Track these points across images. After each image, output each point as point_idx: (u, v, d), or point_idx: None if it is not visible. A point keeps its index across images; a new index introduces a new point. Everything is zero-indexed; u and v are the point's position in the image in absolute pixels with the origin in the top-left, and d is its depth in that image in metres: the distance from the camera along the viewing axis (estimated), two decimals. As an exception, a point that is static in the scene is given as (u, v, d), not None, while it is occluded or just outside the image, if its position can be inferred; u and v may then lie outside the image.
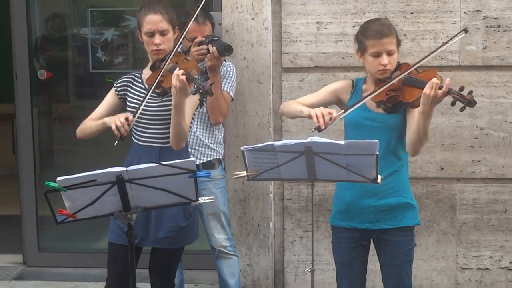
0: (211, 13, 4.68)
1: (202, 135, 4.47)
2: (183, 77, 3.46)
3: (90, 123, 3.83)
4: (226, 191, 4.66)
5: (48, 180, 3.06)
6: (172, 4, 7.93)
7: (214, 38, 4.38)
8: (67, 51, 6.28)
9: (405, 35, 4.74)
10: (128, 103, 3.82)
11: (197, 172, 3.17)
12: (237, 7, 4.85)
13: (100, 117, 3.81)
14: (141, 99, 3.71)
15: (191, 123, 3.83)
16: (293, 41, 4.88)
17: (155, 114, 3.73)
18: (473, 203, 4.85)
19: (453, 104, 3.41)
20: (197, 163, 4.43)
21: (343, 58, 4.82)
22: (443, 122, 4.78)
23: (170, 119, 3.63)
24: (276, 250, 5.06)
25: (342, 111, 3.58)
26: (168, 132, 3.68)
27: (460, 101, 3.35)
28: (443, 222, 4.88)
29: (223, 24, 4.87)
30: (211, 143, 4.50)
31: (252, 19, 4.86)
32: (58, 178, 3.06)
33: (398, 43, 3.63)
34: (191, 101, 3.66)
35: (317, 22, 4.84)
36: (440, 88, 3.32)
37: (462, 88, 3.37)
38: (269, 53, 4.87)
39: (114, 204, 3.19)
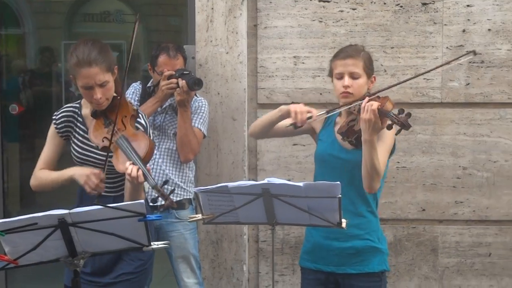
0: (184, 46, 4.54)
1: (172, 173, 4.32)
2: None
3: (48, 177, 3.51)
4: (197, 233, 4.48)
5: None
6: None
7: (184, 72, 4.27)
8: (51, 86, 6.24)
9: (385, 71, 4.58)
10: (73, 151, 3.54)
11: (147, 216, 2.97)
12: (211, 41, 4.69)
13: (50, 163, 3.54)
14: (86, 148, 3.50)
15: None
16: (269, 76, 4.71)
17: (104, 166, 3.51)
18: (455, 246, 4.67)
19: (389, 127, 3.21)
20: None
21: (320, 94, 4.65)
22: (424, 162, 4.60)
23: None
24: (251, 294, 4.85)
25: (324, 111, 3.44)
26: (120, 181, 3.51)
27: (396, 123, 3.16)
28: (425, 266, 4.69)
29: (196, 58, 4.71)
30: (181, 182, 4.35)
31: (227, 53, 4.69)
32: (-4, 222, 2.87)
33: (368, 71, 3.46)
34: None
35: (294, 57, 4.67)
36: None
37: (401, 111, 3.16)
38: (244, 88, 4.70)
39: (59, 249, 2.97)
